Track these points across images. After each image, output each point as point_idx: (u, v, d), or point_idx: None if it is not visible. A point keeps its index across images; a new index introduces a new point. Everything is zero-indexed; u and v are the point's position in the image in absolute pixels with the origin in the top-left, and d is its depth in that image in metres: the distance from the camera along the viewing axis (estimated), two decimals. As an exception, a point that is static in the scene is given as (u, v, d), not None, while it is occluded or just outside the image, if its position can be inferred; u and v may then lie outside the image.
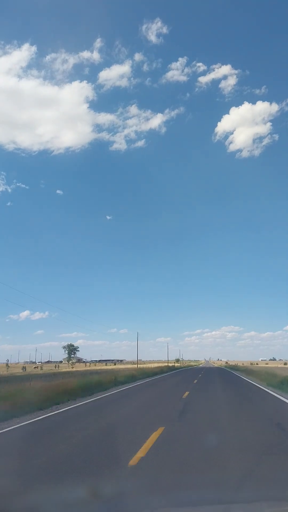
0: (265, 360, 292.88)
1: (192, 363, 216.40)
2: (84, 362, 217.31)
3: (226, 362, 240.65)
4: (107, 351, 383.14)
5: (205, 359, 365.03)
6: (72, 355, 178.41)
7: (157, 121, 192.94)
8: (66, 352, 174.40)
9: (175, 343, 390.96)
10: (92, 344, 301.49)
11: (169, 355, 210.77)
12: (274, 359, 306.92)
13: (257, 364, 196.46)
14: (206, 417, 11.79)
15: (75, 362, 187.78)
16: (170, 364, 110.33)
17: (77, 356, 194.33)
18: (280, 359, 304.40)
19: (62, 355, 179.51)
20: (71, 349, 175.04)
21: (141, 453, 6.97)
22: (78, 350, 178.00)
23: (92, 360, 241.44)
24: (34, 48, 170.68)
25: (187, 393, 19.47)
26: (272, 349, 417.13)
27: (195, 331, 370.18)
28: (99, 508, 4.51)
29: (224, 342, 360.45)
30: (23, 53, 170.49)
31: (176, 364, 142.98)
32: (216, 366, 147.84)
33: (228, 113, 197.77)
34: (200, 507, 4.11)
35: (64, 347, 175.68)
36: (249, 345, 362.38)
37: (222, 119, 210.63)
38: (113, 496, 4.83)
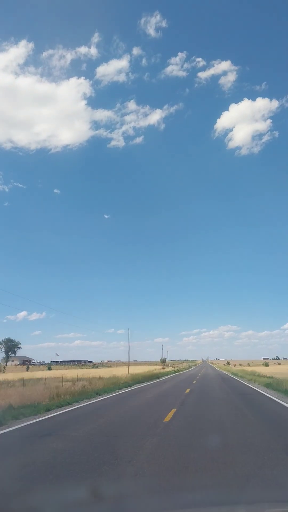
0: (268, 358, 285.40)
1: (184, 365, 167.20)
2: (32, 364, 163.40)
3: (228, 363, 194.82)
4: (104, 351, 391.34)
5: (202, 359, 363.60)
6: (12, 354, 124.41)
7: (155, 117, 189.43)
8: (3, 350, 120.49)
9: (173, 343, 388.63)
10: (89, 344, 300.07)
11: (166, 355, 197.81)
12: (278, 358, 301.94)
13: (266, 364, 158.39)
14: None
15: (19, 364, 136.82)
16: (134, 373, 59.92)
17: (21, 355, 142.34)
18: (285, 358, 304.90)
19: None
20: (10, 346, 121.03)
21: None
22: (19, 347, 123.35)
23: (52, 362, 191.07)
24: (31, 45, 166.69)
25: None
26: (270, 348, 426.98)
27: (192, 331, 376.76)
28: None
29: (222, 341, 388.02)
30: (20, 50, 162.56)
31: (157, 368, 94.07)
32: (217, 369, 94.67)
33: (227, 109, 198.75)
34: (202, 509, 4.04)
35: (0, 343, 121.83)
36: (246, 344, 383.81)
37: (221, 116, 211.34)
38: None
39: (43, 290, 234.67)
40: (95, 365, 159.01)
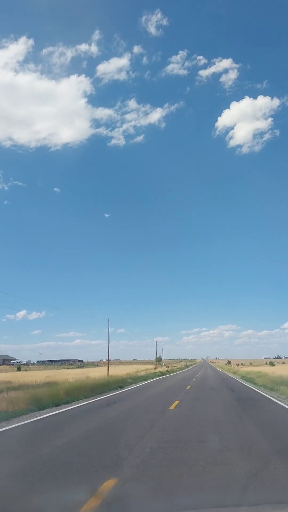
0: (269, 358, 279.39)
1: (181, 364, 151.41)
2: (12, 364, 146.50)
3: (229, 362, 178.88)
4: (104, 350, 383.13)
5: (202, 358, 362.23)
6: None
7: (156, 115, 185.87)
8: None
9: (173, 342, 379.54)
10: (89, 343, 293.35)
11: (164, 354, 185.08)
12: (279, 357, 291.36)
13: (272, 364, 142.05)
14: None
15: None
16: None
17: (2, 354, 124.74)
18: (286, 357, 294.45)
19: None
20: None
21: None
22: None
23: (39, 361, 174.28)
24: (31, 42, 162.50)
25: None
26: (270, 347, 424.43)
27: (192, 330, 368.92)
28: None
29: (222, 340, 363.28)
30: (20, 47, 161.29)
31: (149, 368, 79.75)
32: (219, 371, 78.96)
33: (228, 107, 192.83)
34: (202, 510, 3.99)
35: None
36: (246, 344, 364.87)
37: (222, 114, 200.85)
38: None
39: (43, 289, 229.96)
40: (80, 365, 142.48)
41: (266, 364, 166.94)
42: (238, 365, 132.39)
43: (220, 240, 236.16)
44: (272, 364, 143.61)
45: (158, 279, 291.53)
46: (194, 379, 33.82)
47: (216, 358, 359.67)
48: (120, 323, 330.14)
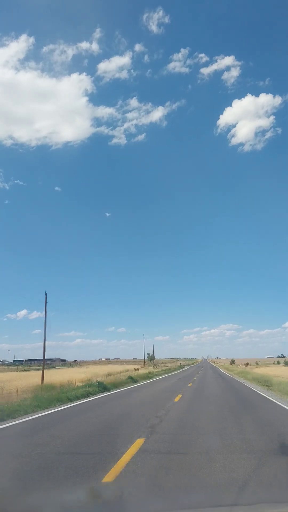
0: (272, 357, 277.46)
1: (176, 364, 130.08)
2: None
3: (232, 361, 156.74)
4: (104, 350, 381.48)
5: (202, 357, 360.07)
6: None
7: (158, 114, 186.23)
8: None
9: (174, 341, 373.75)
10: (90, 343, 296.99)
11: (164, 353, 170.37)
12: (283, 356, 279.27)
13: (287, 363, 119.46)
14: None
15: None
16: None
17: None
18: None
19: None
20: None
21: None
22: None
23: (15, 360, 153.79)
24: (32, 39, 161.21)
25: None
26: (271, 346, 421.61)
27: (193, 329, 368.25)
28: None
29: (223, 340, 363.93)
30: (20, 45, 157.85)
31: (130, 369, 65.52)
32: (226, 374, 55.93)
33: (230, 105, 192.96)
34: (201, 509, 4.05)
35: None
36: (247, 343, 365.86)
37: (224, 112, 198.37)
38: None
39: (43, 288, 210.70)
40: (52, 365, 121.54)
41: (274, 363, 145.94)
42: (246, 365, 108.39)
43: (222, 239, 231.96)
44: (286, 363, 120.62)
45: (159, 279, 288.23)
46: (141, 442, 9.99)
47: (217, 358, 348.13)
48: (121, 322, 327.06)
